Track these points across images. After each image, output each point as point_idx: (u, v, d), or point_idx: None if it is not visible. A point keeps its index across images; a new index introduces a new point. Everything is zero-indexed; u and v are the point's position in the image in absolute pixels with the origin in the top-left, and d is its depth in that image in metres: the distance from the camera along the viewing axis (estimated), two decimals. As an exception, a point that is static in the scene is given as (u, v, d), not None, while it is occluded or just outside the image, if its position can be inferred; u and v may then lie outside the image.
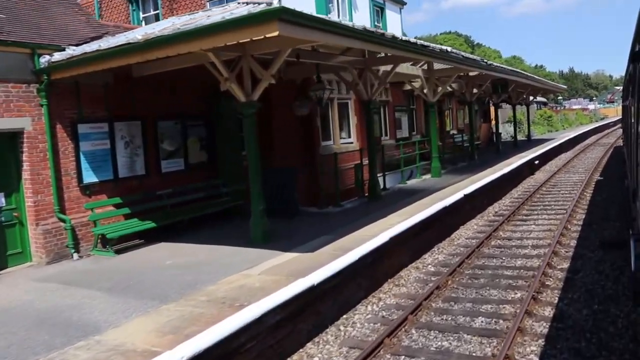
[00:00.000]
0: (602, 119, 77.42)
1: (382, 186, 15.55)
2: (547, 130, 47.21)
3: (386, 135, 19.69)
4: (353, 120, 15.83)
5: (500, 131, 34.85)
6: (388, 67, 12.48)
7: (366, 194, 12.74)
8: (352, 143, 15.63)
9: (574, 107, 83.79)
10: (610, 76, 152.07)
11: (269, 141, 12.97)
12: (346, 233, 8.93)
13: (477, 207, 13.78)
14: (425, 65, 16.22)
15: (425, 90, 15.96)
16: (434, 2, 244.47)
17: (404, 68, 15.31)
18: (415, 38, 14.80)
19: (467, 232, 11.71)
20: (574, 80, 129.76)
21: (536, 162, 20.52)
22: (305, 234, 9.23)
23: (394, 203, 11.65)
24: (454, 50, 13.65)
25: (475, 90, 20.31)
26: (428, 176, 16.16)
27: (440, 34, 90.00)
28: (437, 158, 16.11)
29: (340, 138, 15.28)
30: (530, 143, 27.97)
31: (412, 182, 15.31)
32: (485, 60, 16.64)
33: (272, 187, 11.19)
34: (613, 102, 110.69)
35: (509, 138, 30.92)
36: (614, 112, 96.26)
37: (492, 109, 35.81)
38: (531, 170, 20.28)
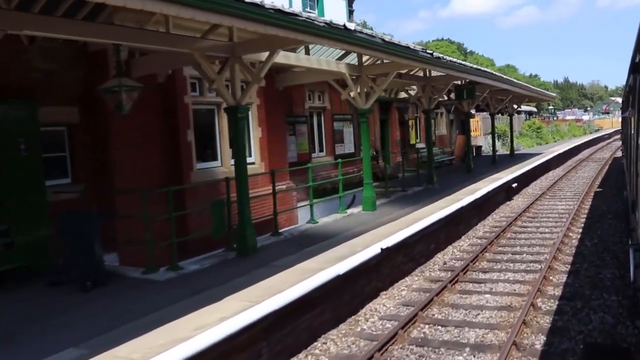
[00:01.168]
0: (597, 130, 73.28)
1: (300, 222, 11.48)
2: (537, 143, 42.62)
3: (321, 151, 15.60)
4: (255, 132, 11.66)
5: (481, 144, 31.90)
6: (264, 56, 8.44)
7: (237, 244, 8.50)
8: (253, 164, 11.46)
9: (568, 117, 79.71)
10: (606, 87, 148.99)
11: (102, 164, 8.86)
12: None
13: (415, 257, 9.67)
14: (356, 59, 12.17)
15: (352, 94, 11.86)
16: (431, 10, 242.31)
17: (317, 62, 11.23)
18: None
19: (378, 311, 7.56)
20: (568, 90, 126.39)
21: (514, 185, 16.45)
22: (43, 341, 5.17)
23: (265, 264, 7.54)
24: (374, 34, 9.56)
25: (435, 96, 16.22)
26: (359, 209, 11.98)
27: (433, 40, 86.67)
28: (369, 185, 11.91)
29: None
30: (512, 159, 24.11)
31: (330, 220, 11.08)
32: (436, 54, 12.46)
33: (68, 241, 7.08)
34: (608, 113, 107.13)
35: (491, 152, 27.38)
36: (609, 123, 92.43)
37: (477, 119, 32.16)
38: (508, 195, 16.20)
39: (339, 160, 12.67)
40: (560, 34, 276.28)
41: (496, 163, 21.57)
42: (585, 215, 13.42)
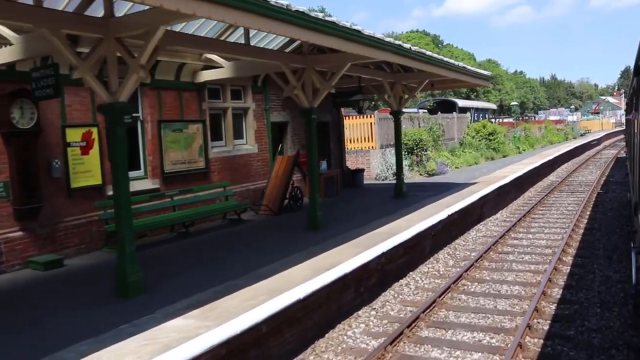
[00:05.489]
0: (583, 135, 62.40)
1: None
2: (486, 158, 29.07)
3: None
4: None
5: (369, 164, 21.21)
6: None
7: None
8: None
9: (551, 117, 72.36)
10: (596, 85, 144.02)
11: None
12: None
13: None
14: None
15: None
16: (425, 9, 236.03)
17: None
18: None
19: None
20: (556, 88, 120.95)
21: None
22: None
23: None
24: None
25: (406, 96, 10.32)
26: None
27: (405, 32, 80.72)
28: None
29: None
30: (393, 203, 13.94)
31: None
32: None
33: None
34: (598, 113, 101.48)
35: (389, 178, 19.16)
36: (599, 125, 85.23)
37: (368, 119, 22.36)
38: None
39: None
40: (552, 32, 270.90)
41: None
42: None
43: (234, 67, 11.70)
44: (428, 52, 11.25)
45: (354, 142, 22.72)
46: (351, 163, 22.11)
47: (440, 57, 12.29)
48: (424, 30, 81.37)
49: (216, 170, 13.12)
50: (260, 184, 14.43)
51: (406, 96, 14.99)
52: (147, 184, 11.38)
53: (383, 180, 20.88)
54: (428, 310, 8.29)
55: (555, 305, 8.28)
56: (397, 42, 9.63)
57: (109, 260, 9.68)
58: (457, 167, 25.03)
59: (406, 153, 21.89)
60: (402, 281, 10.08)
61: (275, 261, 8.68)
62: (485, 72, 16.07)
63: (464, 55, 77.20)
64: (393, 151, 21.78)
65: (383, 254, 9.19)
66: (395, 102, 14.87)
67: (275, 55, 10.39)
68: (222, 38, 11.55)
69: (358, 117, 22.70)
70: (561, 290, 8.94)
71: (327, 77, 10.58)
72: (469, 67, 14.36)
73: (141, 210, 10.83)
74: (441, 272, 10.62)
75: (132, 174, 11.00)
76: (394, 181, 16.50)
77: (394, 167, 20.47)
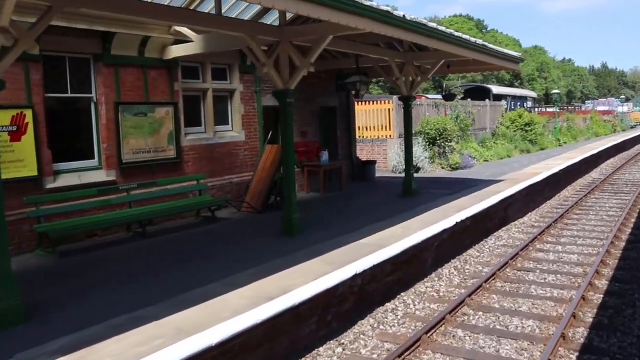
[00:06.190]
0: (634, 127, 57.76)
1: None
2: (521, 151, 26.35)
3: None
4: None
5: (387, 154, 19.18)
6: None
7: None
8: None
9: (599, 108, 67.37)
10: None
11: None
12: None
13: None
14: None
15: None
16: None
17: None
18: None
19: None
20: (606, 77, 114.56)
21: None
22: None
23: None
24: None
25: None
26: None
27: (448, 16, 77.45)
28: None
29: None
30: (400, 203, 12.06)
31: None
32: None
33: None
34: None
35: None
36: None
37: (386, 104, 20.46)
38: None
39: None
40: (604, 19, 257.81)
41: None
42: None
43: (204, 41, 9.93)
44: (432, 24, 9.11)
45: (370, 130, 20.67)
46: (366, 153, 20.15)
47: (451, 31, 10.11)
48: (467, 15, 77.86)
49: (191, 160, 11.42)
50: (247, 176, 12.67)
51: (419, 79, 12.88)
52: (101, 176, 9.77)
53: (400, 173, 18.72)
54: (408, 353, 6.39)
55: (577, 355, 6.23)
56: (386, 8, 7.59)
57: (37, 266, 8.13)
58: (487, 161, 22.61)
59: (427, 144, 19.70)
60: (389, 305, 8.16)
61: (221, 279, 6.93)
62: (513, 53, 13.69)
63: (508, 41, 73.68)
64: (420, 140, 19.77)
65: (358, 275, 7.28)
66: (406, 86, 12.80)
67: (245, 27, 8.54)
68: (192, 7, 9.82)
69: (376, 102, 20.66)
70: (587, 331, 6.86)
71: (307, 54, 8.70)
72: (490, 46, 12.04)
73: (87, 207, 9.24)
74: (441, 294, 8.65)
75: (83, 163, 9.47)
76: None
77: (414, 159, 18.47)
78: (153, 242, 9.44)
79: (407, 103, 12.96)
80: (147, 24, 9.66)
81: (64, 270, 7.89)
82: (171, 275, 7.36)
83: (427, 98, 28.47)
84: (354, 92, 12.35)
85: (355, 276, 7.26)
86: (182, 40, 10.37)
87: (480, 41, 11.33)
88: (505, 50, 13.37)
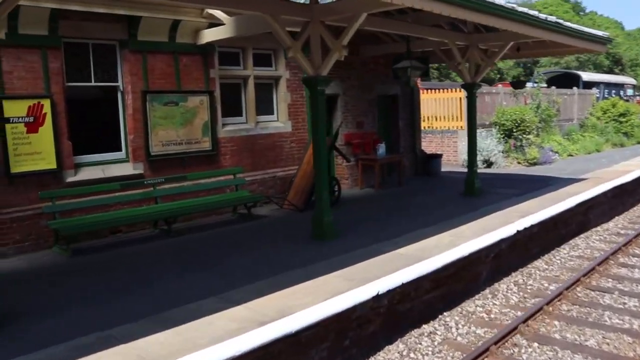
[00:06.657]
0: None
1: None
2: (613, 144, 23.43)
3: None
4: None
5: (457, 146, 17.40)
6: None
7: None
8: None
9: None
10: None
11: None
12: None
13: None
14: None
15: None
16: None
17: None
18: None
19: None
20: None
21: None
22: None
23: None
24: None
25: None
26: None
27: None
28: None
29: None
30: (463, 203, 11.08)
31: None
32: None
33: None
34: None
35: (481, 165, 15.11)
36: None
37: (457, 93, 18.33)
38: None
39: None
40: None
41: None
42: None
43: (235, 23, 9.08)
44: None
45: (439, 120, 19.11)
46: (435, 145, 18.68)
47: (516, 6, 8.53)
48: (561, -5, 72.42)
49: (228, 152, 10.69)
50: (293, 170, 11.78)
51: (484, 64, 11.34)
52: (127, 169, 9.24)
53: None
54: (432, 395, 5.24)
55: (654, 419, 4.79)
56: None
57: (48, 263, 7.70)
58: (571, 155, 20.28)
59: (502, 136, 17.87)
60: (427, 327, 6.96)
61: (222, 292, 6.08)
62: (598, 32, 11.70)
63: (608, 24, 67.93)
64: (485, 133, 17.99)
65: (381, 295, 6.15)
66: (470, 72, 11.32)
67: (268, 5, 7.58)
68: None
69: (445, 90, 19.06)
70: (672, 383, 5.35)
71: (339, 36, 7.63)
72: (567, 24, 10.20)
73: (108, 202, 8.73)
74: (492, 316, 7.31)
75: (107, 156, 8.96)
76: (483, 170, 12.98)
77: (485, 153, 16.83)
78: (175, 241, 8.77)
79: (470, 91, 11.46)
80: (175, 7, 8.98)
81: (68, 270, 7.37)
82: (168, 285, 6.61)
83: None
84: (405, 78, 11.03)
85: (378, 296, 6.14)
86: (215, 23, 9.60)
87: (553, 18, 9.60)
88: (587, 29, 11.42)
